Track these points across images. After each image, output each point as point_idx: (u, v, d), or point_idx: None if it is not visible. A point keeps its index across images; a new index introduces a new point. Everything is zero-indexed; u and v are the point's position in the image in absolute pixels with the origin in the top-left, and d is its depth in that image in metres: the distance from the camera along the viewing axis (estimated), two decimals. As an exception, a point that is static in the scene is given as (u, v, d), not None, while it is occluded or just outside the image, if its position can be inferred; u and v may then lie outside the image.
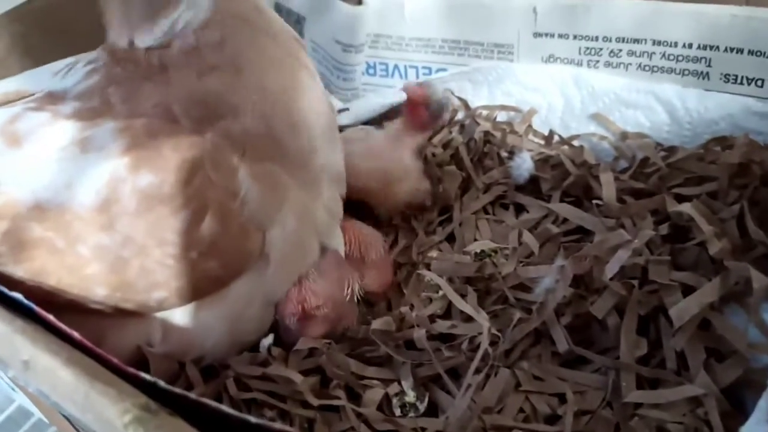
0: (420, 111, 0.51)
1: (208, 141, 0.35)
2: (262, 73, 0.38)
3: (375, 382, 0.39)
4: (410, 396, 0.38)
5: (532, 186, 0.51)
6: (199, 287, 0.35)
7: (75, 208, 0.32)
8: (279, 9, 0.65)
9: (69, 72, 0.38)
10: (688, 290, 0.37)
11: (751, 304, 0.35)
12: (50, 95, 0.36)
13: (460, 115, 0.57)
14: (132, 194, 0.32)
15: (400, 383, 0.39)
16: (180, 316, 0.36)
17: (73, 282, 0.33)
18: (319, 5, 0.61)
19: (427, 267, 0.49)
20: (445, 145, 0.56)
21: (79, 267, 0.33)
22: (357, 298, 0.44)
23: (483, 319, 0.39)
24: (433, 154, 0.55)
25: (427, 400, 0.39)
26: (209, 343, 0.38)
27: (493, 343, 0.39)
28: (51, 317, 0.30)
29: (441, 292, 0.43)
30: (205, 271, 0.34)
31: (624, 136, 0.50)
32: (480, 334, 0.39)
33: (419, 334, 0.39)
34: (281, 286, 0.39)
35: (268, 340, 0.39)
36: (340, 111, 0.60)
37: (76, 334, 0.30)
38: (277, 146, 0.38)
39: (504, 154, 0.53)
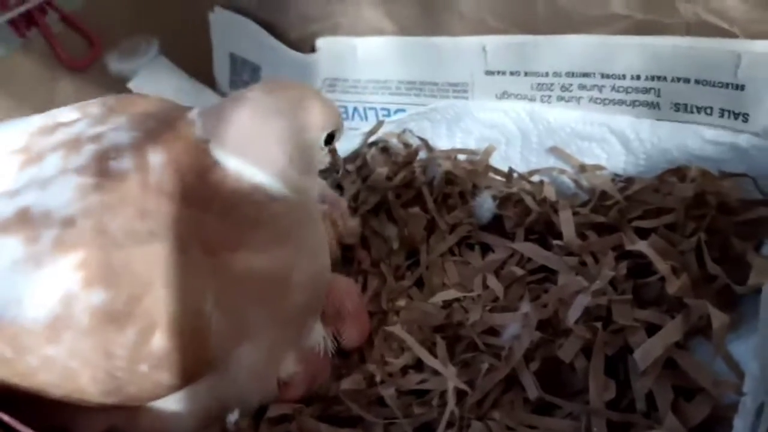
0: None
1: (169, 257, 0.33)
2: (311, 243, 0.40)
3: (347, 445, 0.39)
4: (384, 457, 0.38)
5: (496, 224, 0.51)
6: (154, 394, 0.34)
7: (24, 322, 0.31)
8: (234, 59, 0.65)
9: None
10: (652, 327, 0.37)
11: (714, 341, 0.35)
12: (25, 216, 0.32)
13: (421, 155, 0.57)
14: (84, 312, 0.31)
15: (373, 444, 0.39)
16: (144, 409, 0.35)
17: (27, 386, 0.33)
18: (272, 55, 0.61)
19: (397, 314, 0.48)
20: (408, 186, 0.56)
21: (30, 375, 0.32)
22: (331, 353, 0.44)
23: (450, 374, 0.38)
24: (398, 196, 0.55)
25: (401, 459, 0.38)
26: (180, 429, 0.37)
27: (464, 394, 0.39)
28: None
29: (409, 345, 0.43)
30: (158, 382, 0.34)
31: (582, 168, 0.50)
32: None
33: (389, 392, 0.39)
34: (255, 393, 0.39)
35: (234, 416, 0.38)
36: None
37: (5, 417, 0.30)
38: (280, 302, 0.37)
39: (467, 192, 0.53)
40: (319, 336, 0.42)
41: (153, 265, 0.32)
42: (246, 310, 0.36)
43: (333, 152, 0.42)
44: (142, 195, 0.33)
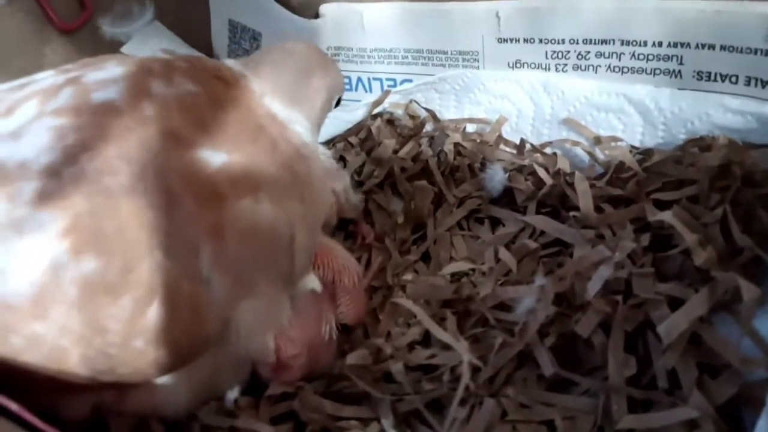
0: None
1: (162, 221, 0.30)
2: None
3: (353, 422, 0.37)
4: (391, 435, 0.36)
5: (506, 198, 0.49)
6: (149, 374, 0.32)
7: (7, 297, 0.28)
8: (233, 26, 0.62)
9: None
10: (674, 302, 0.35)
11: (742, 316, 0.33)
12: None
13: (428, 127, 0.55)
14: (73, 282, 0.28)
15: (379, 421, 0.37)
16: (135, 386, 0.33)
17: (11, 367, 0.29)
18: (274, 20, 0.58)
19: (403, 289, 0.46)
20: (415, 159, 0.54)
21: (13, 356, 0.29)
22: (334, 335, 0.42)
23: (463, 348, 0.36)
24: (403, 169, 0.53)
25: (409, 437, 0.36)
26: (172, 407, 0.35)
27: (476, 370, 0.37)
28: None
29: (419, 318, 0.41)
30: (155, 360, 0.31)
31: (597, 140, 0.48)
32: (461, 363, 0.36)
33: (397, 368, 0.37)
34: (252, 348, 0.36)
35: (234, 393, 0.36)
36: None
37: (13, 406, 0.27)
38: (282, 262, 0.36)
39: (476, 165, 0.51)
40: (313, 281, 0.40)
41: (145, 224, 0.29)
42: (247, 268, 0.33)
43: None
44: (131, 129, 0.30)
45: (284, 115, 0.37)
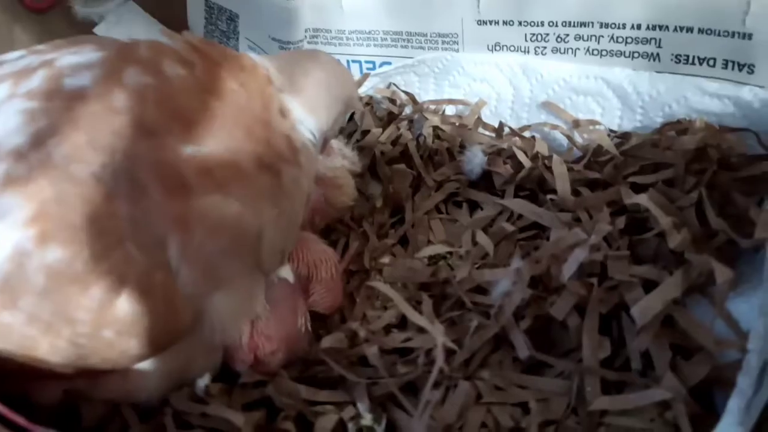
0: None
1: (129, 210, 0.29)
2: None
3: (328, 407, 0.36)
4: (367, 419, 0.36)
5: (485, 181, 0.49)
6: (121, 363, 0.31)
7: None
8: (210, 6, 0.61)
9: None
10: (649, 284, 0.36)
11: (715, 298, 0.33)
12: None
13: (407, 110, 0.55)
14: (39, 271, 0.28)
15: (355, 405, 0.36)
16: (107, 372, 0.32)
17: None
18: (251, 2, 0.57)
19: (380, 273, 0.46)
20: (394, 143, 0.53)
21: None
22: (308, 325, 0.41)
23: (437, 331, 0.36)
24: (382, 153, 0.53)
25: (385, 421, 0.36)
26: (145, 393, 0.34)
27: (451, 353, 0.37)
28: None
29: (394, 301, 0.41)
30: (125, 351, 0.30)
31: (576, 123, 0.48)
32: (436, 346, 0.36)
33: (372, 351, 0.37)
34: (227, 338, 0.36)
35: (204, 381, 0.35)
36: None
37: None
38: (250, 254, 0.35)
39: (455, 149, 0.51)
40: (285, 271, 0.40)
41: (112, 213, 0.29)
42: (215, 261, 0.33)
43: None
44: (100, 117, 0.30)
45: (297, 115, 0.37)
